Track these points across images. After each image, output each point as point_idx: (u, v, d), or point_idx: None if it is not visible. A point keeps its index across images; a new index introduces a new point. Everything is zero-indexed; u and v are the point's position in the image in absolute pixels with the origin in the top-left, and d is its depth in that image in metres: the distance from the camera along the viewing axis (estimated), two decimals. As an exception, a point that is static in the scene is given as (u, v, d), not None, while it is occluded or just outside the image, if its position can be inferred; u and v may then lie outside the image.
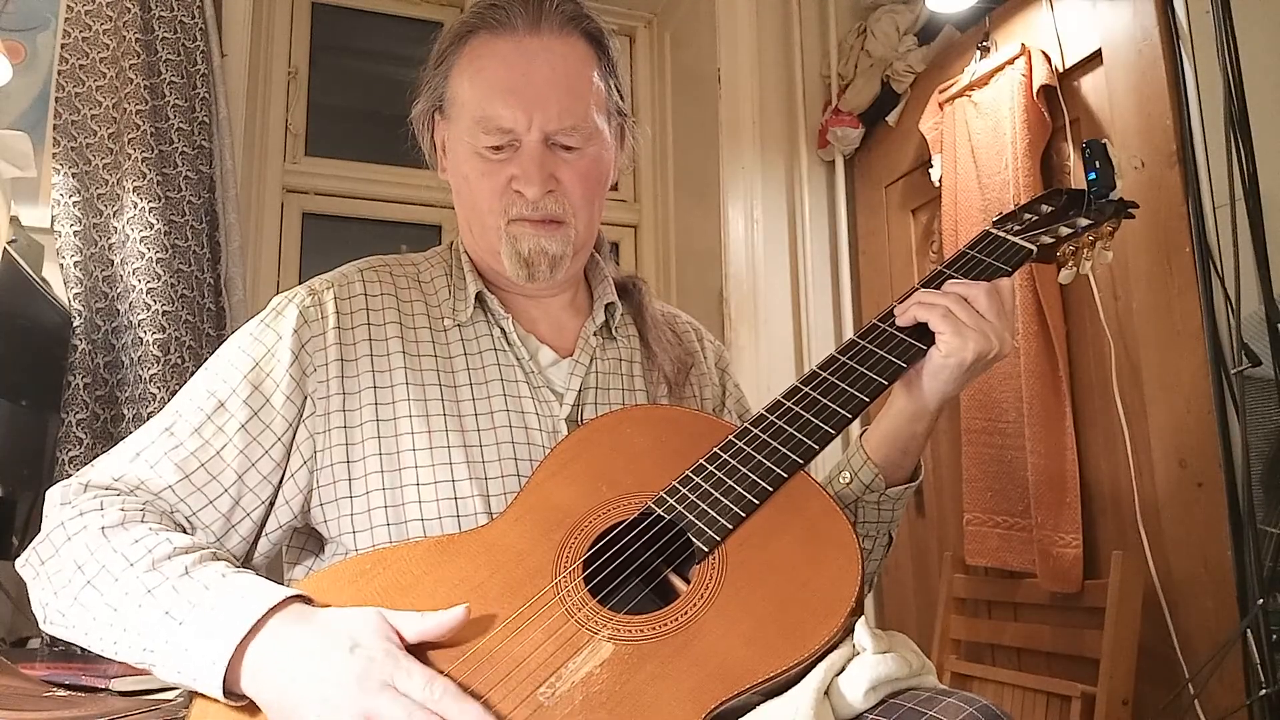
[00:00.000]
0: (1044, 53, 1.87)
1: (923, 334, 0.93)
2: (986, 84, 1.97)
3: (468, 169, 1.00)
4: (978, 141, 1.96)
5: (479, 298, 1.02)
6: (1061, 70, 1.84)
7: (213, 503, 0.89)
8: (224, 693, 0.73)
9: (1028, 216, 1.07)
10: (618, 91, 1.04)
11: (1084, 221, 1.05)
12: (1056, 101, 1.84)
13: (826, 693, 0.71)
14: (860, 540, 0.80)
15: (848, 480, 0.99)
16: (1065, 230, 1.04)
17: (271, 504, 0.93)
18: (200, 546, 0.83)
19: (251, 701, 0.74)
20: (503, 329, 1.02)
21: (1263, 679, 1.37)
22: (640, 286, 1.14)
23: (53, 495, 0.87)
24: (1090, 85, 1.81)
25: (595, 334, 1.06)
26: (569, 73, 0.97)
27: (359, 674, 0.69)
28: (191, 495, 0.88)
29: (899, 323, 0.94)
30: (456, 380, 0.98)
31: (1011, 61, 1.91)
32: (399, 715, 0.67)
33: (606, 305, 1.08)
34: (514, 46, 0.97)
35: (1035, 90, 1.85)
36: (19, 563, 0.87)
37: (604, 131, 1.01)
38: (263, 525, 0.94)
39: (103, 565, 0.80)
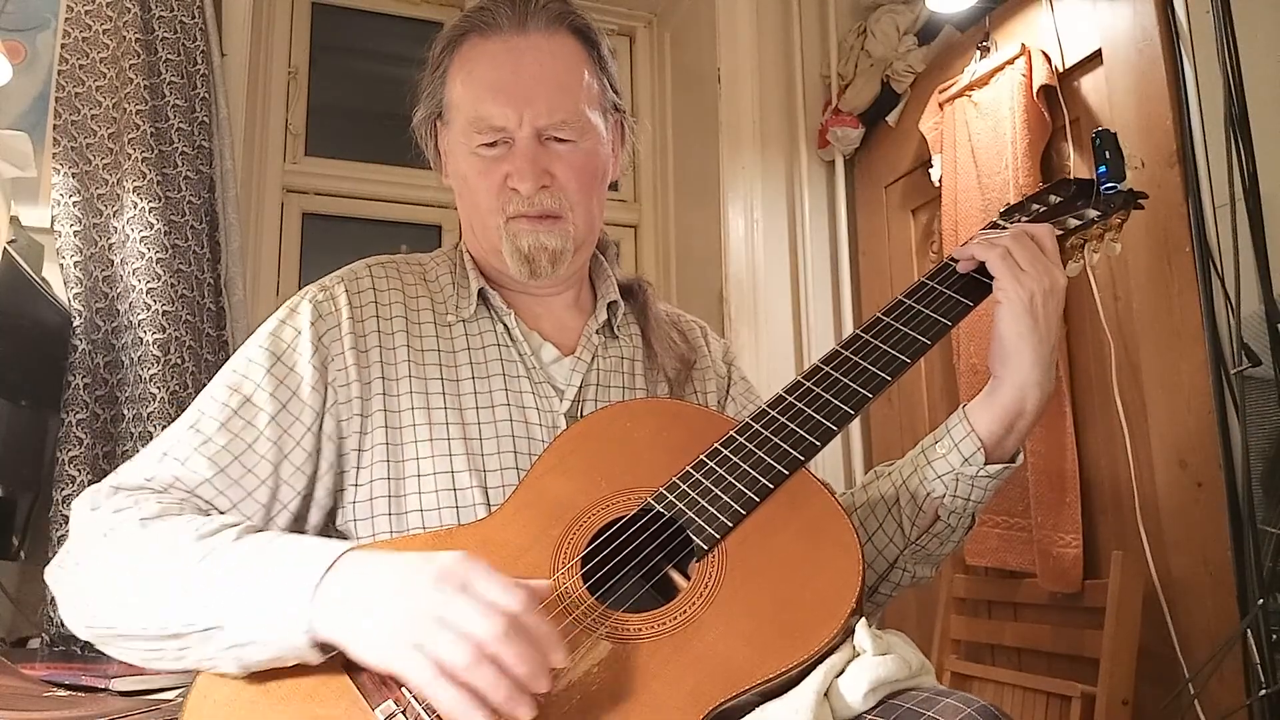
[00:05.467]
0: (1044, 53, 1.87)
1: (950, 308, 0.94)
2: (986, 84, 1.97)
3: (465, 169, 1.01)
4: (978, 141, 1.96)
5: (482, 294, 1.03)
6: (1061, 70, 1.84)
7: (251, 495, 0.89)
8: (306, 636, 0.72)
9: (1035, 207, 1.05)
10: (612, 89, 1.04)
11: (1093, 213, 1.03)
12: (1056, 101, 1.83)
13: (826, 694, 0.71)
14: (861, 542, 0.80)
15: (946, 450, 0.94)
16: (1074, 222, 1.02)
17: (308, 495, 0.93)
18: (242, 521, 0.82)
19: (252, 693, 0.74)
20: (505, 325, 1.03)
21: (1263, 679, 1.37)
22: (645, 288, 1.14)
23: (81, 502, 0.85)
24: (1090, 85, 1.81)
25: (598, 332, 1.07)
26: (557, 69, 0.99)
27: (436, 576, 0.70)
28: (230, 488, 0.88)
29: (960, 268, 0.96)
30: (459, 374, 0.99)
31: (1011, 61, 1.91)
32: (472, 616, 0.67)
33: (609, 304, 1.08)
34: (502, 46, 0.98)
35: (1035, 90, 1.84)
36: (48, 574, 0.84)
37: (599, 127, 1.02)
38: (298, 516, 0.93)
39: (147, 550, 0.79)
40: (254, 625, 0.73)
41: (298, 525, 0.93)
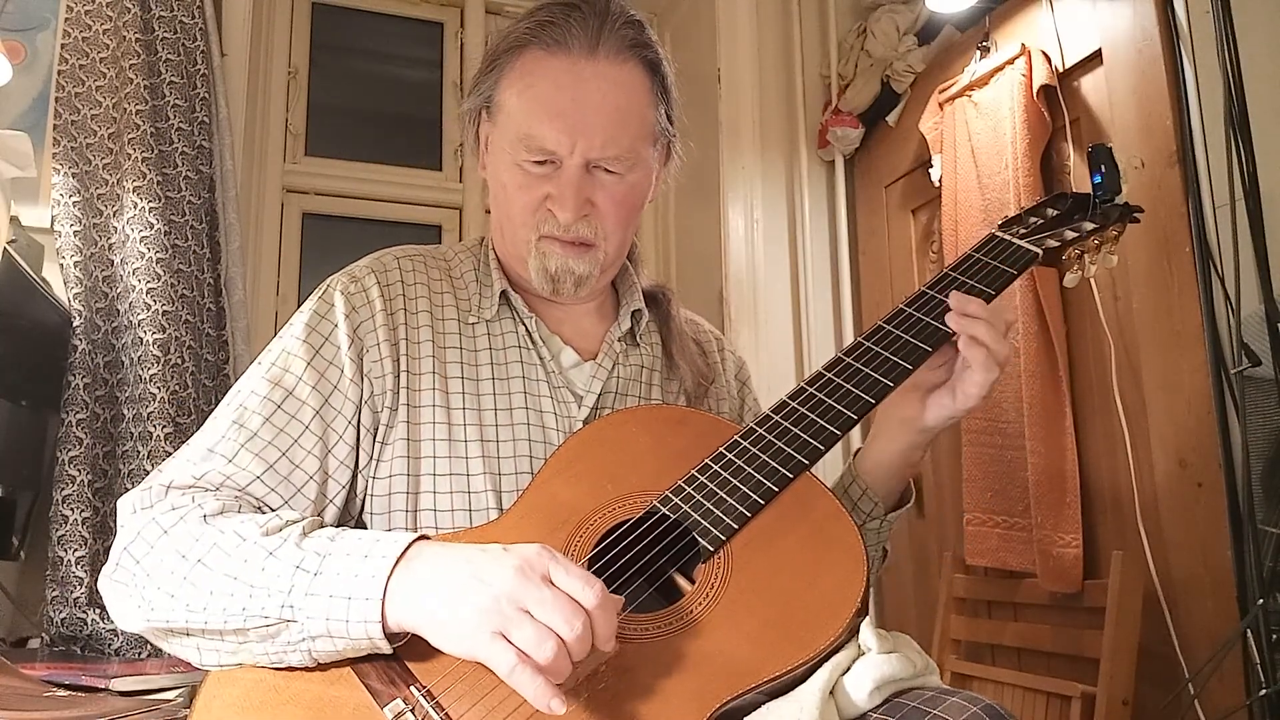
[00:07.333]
0: (1044, 53, 1.87)
1: (929, 338, 0.94)
2: (986, 84, 1.98)
3: (506, 178, 0.99)
4: (978, 141, 1.96)
5: (504, 296, 1.03)
6: (1061, 70, 1.84)
7: (301, 490, 0.88)
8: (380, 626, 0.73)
9: (1033, 219, 1.07)
10: (667, 116, 1.02)
11: (1089, 225, 1.05)
12: (1056, 101, 1.84)
13: (832, 692, 0.71)
14: (866, 543, 0.80)
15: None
16: (1070, 234, 1.05)
17: (351, 488, 0.93)
18: (304, 518, 0.83)
19: (261, 694, 0.74)
20: (527, 328, 1.02)
21: (1263, 679, 1.37)
22: (668, 296, 1.13)
23: (129, 502, 0.85)
24: (1090, 85, 1.81)
25: (620, 339, 1.06)
26: (619, 102, 0.96)
27: (518, 565, 0.71)
28: (280, 485, 0.87)
29: (952, 325, 0.94)
30: (479, 374, 0.99)
31: (1011, 61, 1.91)
32: (558, 608, 0.69)
33: (633, 312, 1.08)
34: (567, 68, 0.95)
35: (1035, 90, 1.85)
36: (101, 582, 0.83)
37: (648, 159, 1.00)
38: (344, 510, 0.93)
39: (213, 544, 0.78)
40: (326, 618, 0.73)
41: (345, 519, 0.93)
